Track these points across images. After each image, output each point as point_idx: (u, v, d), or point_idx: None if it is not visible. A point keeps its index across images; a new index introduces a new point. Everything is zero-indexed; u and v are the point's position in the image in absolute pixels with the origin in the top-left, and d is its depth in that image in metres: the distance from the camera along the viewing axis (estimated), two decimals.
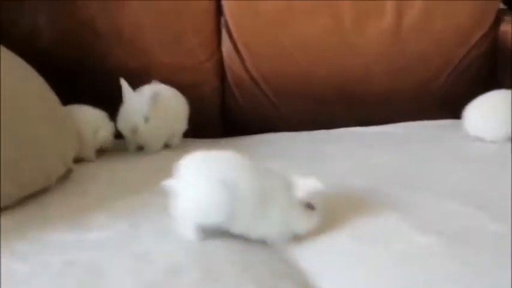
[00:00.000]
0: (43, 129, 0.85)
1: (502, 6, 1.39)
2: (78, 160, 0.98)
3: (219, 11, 1.23)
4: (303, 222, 0.65)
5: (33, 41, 1.13)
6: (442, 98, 1.39)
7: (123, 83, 1.05)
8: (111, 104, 1.06)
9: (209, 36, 1.22)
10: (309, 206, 0.64)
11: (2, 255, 0.55)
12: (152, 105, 1.03)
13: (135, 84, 1.15)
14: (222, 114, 1.29)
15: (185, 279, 0.52)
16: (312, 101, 1.31)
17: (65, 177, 0.88)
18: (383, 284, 0.57)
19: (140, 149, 1.08)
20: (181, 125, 1.15)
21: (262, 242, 0.65)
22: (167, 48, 1.19)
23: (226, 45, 1.25)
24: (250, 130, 1.28)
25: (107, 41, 1.15)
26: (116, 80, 1.16)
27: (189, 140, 1.20)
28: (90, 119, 1.05)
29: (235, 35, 1.24)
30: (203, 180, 0.64)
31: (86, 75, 1.16)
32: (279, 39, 1.26)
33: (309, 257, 0.65)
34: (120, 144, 1.09)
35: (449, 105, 1.39)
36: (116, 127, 1.07)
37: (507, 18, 1.34)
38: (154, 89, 1.05)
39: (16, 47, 1.03)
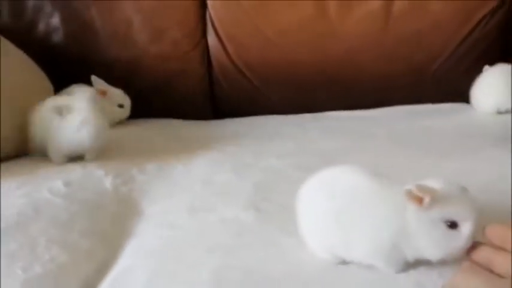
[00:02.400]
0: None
1: None
2: None
3: (203, 4, 1.29)
4: (436, 247, 0.47)
5: (48, 40, 1.31)
6: (440, 83, 1.28)
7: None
8: None
9: (193, 29, 1.28)
10: (452, 225, 0.46)
11: None
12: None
13: (127, 75, 1.29)
14: (211, 101, 1.35)
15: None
16: (297, 86, 1.30)
17: None
18: None
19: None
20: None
21: None
22: (154, 41, 1.27)
23: (211, 37, 1.29)
24: (239, 114, 1.32)
25: (104, 37, 1.28)
26: (113, 69, 1.31)
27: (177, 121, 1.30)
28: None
29: (218, 26, 1.28)
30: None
31: (89, 67, 1.30)
32: (261, 29, 1.27)
33: None
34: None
35: (450, 90, 1.29)
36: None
37: None
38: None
39: (33, 44, 1.24)
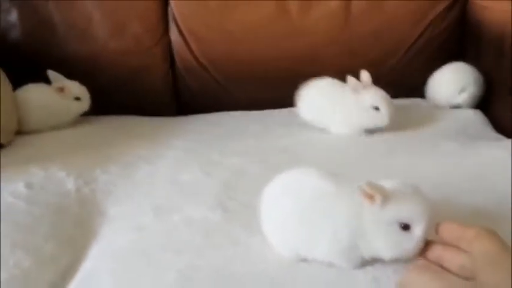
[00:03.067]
0: None
1: None
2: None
3: (165, 0, 1.28)
4: (390, 247, 0.50)
5: (5, 36, 1.27)
6: (397, 78, 1.32)
7: None
8: None
9: (155, 24, 1.27)
10: (405, 227, 0.48)
11: None
12: None
13: (88, 70, 1.27)
14: (174, 97, 1.34)
15: None
16: (261, 83, 1.31)
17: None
18: None
19: None
20: None
21: None
22: (115, 36, 1.26)
23: (173, 33, 1.29)
24: (203, 111, 1.33)
25: (63, 33, 1.25)
26: (73, 65, 1.28)
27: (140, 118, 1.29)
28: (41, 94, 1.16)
29: (180, 22, 1.27)
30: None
31: (47, 63, 1.26)
32: (224, 25, 1.27)
33: None
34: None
35: (406, 85, 1.33)
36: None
37: None
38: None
39: None
